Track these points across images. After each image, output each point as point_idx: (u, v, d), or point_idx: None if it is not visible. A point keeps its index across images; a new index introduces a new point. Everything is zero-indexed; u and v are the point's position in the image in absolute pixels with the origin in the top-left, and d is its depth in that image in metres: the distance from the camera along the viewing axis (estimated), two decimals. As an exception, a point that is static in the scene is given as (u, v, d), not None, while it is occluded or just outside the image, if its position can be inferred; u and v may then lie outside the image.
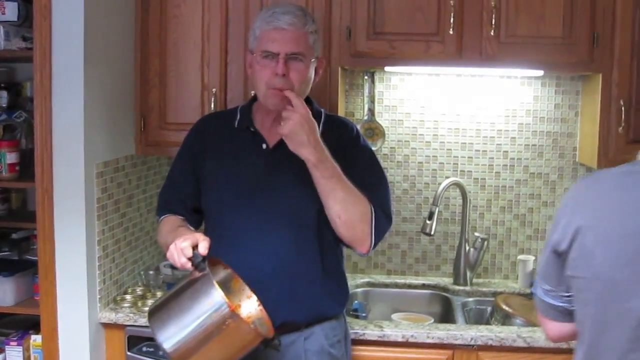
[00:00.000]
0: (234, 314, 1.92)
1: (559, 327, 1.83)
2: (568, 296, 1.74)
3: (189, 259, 2.01)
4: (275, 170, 2.37)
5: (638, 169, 1.67)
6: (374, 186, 2.38)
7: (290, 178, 2.35)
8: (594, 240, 1.62)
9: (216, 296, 1.93)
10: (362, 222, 2.30)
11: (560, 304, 1.78)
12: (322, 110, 2.51)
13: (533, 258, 3.38)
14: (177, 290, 2.04)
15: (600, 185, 1.69)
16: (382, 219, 2.34)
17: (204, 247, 2.02)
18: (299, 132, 2.16)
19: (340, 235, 2.34)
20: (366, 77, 3.45)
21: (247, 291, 2.19)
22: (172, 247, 2.05)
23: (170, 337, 1.95)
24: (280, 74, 2.27)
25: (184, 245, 2.01)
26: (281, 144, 2.36)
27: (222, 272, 2.17)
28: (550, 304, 1.80)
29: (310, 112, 2.20)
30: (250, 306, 2.18)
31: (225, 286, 2.12)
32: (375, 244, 2.36)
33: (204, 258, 2.01)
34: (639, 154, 1.75)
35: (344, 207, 2.26)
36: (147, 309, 2.90)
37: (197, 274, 2.00)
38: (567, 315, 1.77)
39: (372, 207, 2.31)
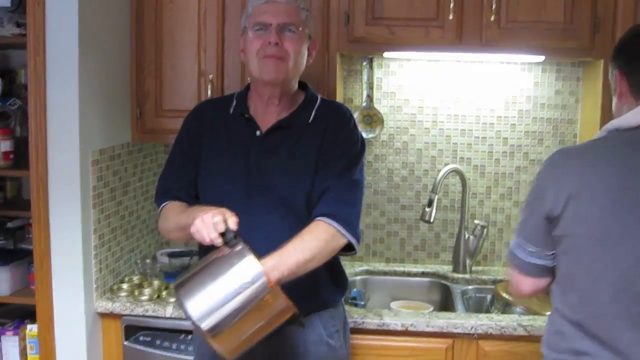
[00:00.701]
0: (274, 289, 1.93)
1: (536, 283, 2.02)
2: (552, 254, 1.95)
3: (221, 234, 1.99)
4: (267, 157, 2.34)
5: (607, 138, 1.91)
6: (344, 173, 2.33)
7: (279, 166, 2.33)
8: (585, 203, 1.83)
9: (255, 269, 1.93)
10: (332, 248, 2.26)
11: (543, 263, 1.97)
12: (319, 96, 2.47)
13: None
14: (207, 266, 2.00)
15: (579, 156, 1.92)
16: (346, 212, 2.28)
17: (234, 222, 2.01)
18: None
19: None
20: (365, 63, 3.42)
21: None
22: (198, 222, 2.02)
23: (206, 312, 1.91)
24: (273, 42, 2.26)
25: (217, 219, 2.00)
26: (273, 129, 2.35)
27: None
28: (534, 263, 1.98)
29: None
30: None
31: None
32: (357, 236, 2.31)
33: (236, 234, 1.99)
34: (602, 129, 1.95)
35: (318, 262, 2.22)
36: (144, 297, 2.90)
37: (226, 250, 1.98)
38: (547, 271, 1.98)
39: (328, 219, 2.25)
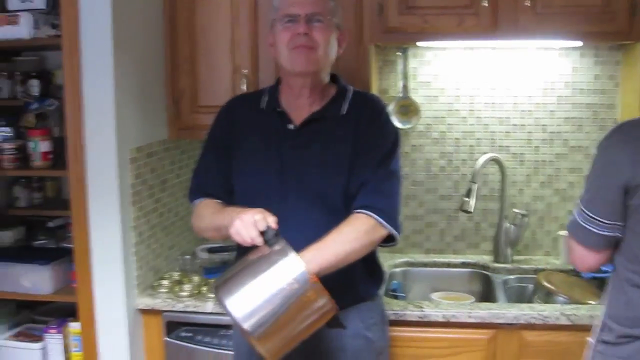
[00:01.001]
0: (318, 286, 1.92)
1: (602, 256, 2.08)
2: (623, 226, 1.99)
3: (261, 233, 1.99)
4: (300, 151, 2.33)
5: None
6: (381, 165, 2.32)
7: (313, 158, 2.32)
8: None
9: (298, 267, 1.92)
10: (373, 241, 2.26)
11: (613, 234, 2.01)
12: (351, 87, 2.45)
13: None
14: (248, 265, 2.00)
15: None
16: (384, 203, 2.27)
17: (274, 221, 2.01)
18: None
19: None
20: (399, 54, 3.39)
21: None
22: (237, 223, 2.02)
23: (250, 314, 1.90)
24: (302, 32, 2.25)
25: (258, 217, 2.00)
26: (306, 122, 2.34)
27: None
28: (604, 235, 2.02)
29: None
30: None
31: None
32: (398, 226, 2.30)
33: (277, 232, 1.99)
34: None
35: (357, 255, 2.22)
36: (184, 294, 2.91)
37: (266, 250, 1.98)
38: (614, 243, 2.04)
39: (367, 211, 2.24)
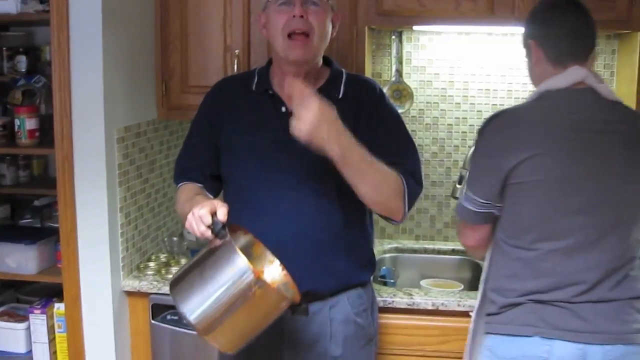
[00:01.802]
0: (259, 280, 1.86)
1: (482, 231, 2.29)
2: (498, 205, 2.19)
3: (208, 226, 1.94)
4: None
5: (543, 99, 2.19)
6: (401, 151, 2.29)
7: None
8: (542, 156, 2.08)
9: (240, 263, 1.86)
10: (394, 198, 2.20)
11: (492, 211, 2.21)
12: (343, 70, 2.41)
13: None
14: (198, 260, 1.97)
15: (527, 115, 2.19)
16: (414, 186, 2.24)
17: (222, 214, 1.94)
18: (316, 133, 1.98)
19: (373, 209, 2.28)
20: (394, 37, 3.35)
21: (270, 256, 2.12)
22: (189, 216, 1.98)
23: (195, 308, 1.88)
24: (298, 14, 2.19)
25: (202, 212, 1.94)
26: None
27: (243, 238, 2.11)
28: (483, 212, 2.22)
29: (324, 103, 1.99)
30: (273, 271, 2.11)
31: (246, 252, 2.05)
32: (409, 210, 2.27)
33: (224, 225, 1.94)
34: (534, 92, 2.25)
35: (375, 189, 2.15)
36: (171, 276, 2.86)
37: (218, 242, 1.93)
38: (492, 219, 2.24)
39: (403, 178, 2.21)
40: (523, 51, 2.35)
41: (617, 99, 2.20)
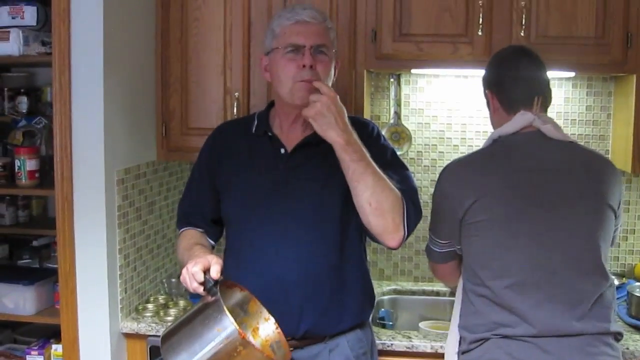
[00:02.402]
0: (244, 341, 1.86)
1: (450, 266, 2.49)
2: (460, 247, 2.35)
3: (201, 283, 1.95)
4: (295, 175, 2.31)
5: (495, 145, 2.36)
6: (399, 180, 2.29)
7: (309, 183, 2.30)
8: (489, 198, 2.23)
9: (226, 323, 1.86)
10: (393, 210, 2.17)
11: (450, 249, 2.41)
12: None
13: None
14: (189, 316, 1.98)
15: (476, 163, 2.36)
16: (412, 209, 2.23)
17: (215, 271, 1.96)
18: (326, 114, 2.07)
19: (370, 225, 2.20)
20: (392, 80, 3.38)
21: (265, 313, 2.12)
22: (184, 271, 2.01)
23: None
24: (308, 65, 2.21)
25: (195, 270, 1.96)
26: (299, 147, 2.32)
27: (239, 295, 2.12)
28: (447, 251, 2.42)
29: (338, 97, 2.11)
30: (268, 329, 2.12)
31: (242, 308, 2.08)
32: (407, 237, 2.23)
33: (216, 282, 1.95)
34: (488, 138, 2.42)
35: (374, 193, 2.14)
36: (169, 318, 2.87)
37: (210, 299, 1.94)
38: (454, 255, 2.43)
39: (403, 198, 2.21)
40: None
41: (564, 137, 2.34)
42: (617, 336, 2.22)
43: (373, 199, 2.15)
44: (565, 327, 2.14)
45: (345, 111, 2.14)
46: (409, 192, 2.26)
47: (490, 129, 3.31)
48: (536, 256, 2.18)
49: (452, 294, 3.34)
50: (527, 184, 2.24)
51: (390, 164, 2.33)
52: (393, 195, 2.17)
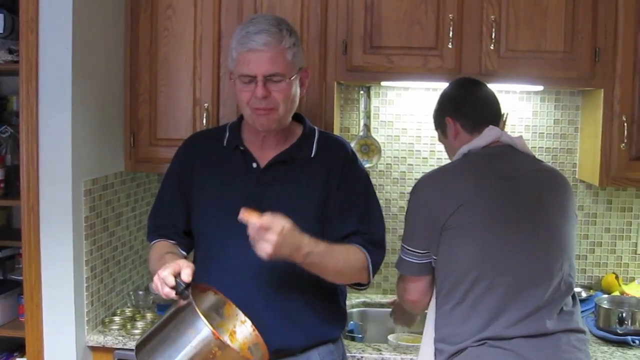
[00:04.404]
0: (220, 342, 1.85)
1: (423, 283, 2.41)
2: (435, 258, 2.35)
3: (173, 287, 1.93)
4: (266, 191, 2.29)
5: (467, 158, 2.41)
6: (367, 217, 2.34)
7: (281, 199, 2.27)
8: (468, 206, 2.27)
9: (200, 325, 1.86)
10: (358, 275, 2.31)
11: (428, 260, 2.37)
12: (316, 128, 2.43)
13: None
14: (163, 322, 1.96)
15: (450, 173, 2.42)
16: (376, 254, 2.33)
17: (187, 275, 1.95)
18: (279, 251, 2.01)
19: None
20: (362, 92, 3.38)
21: (241, 316, 2.12)
22: (155, 277, 1.99)
23: None
24: (260, 96, 2.19)
25: (165, 274, 1.94)
26: (272, 164, 2.31)
27: (213, 298, 2.11)
28: (424, 262, 2.37)
29: (286, 225, 2.01)
30: (245, 331, 2.11)
31: (217, 312, 2.06)
32: (373, 278, 2.37)
33: (187, 285, 1.94)
34: (458, 153, 2.47)
35: (338, 275, 2.27)
36: (136, 331, 2.84)
37: (182, 303, 1.93)
38: (430, 269, 2.39)
39: (366, 252, 2.28)
40: (436, 134, 2.65)
41: (530, 152, 2.49)
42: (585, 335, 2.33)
43: (336, 278, 2.30)
44: (540, 328, 2.20)
45: (295, 232, 2.05)
46: (374, 235, 2.34)
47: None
48: (517, 261, 2.25)
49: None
50: (506, 189, 2.32)
51: (361, 195, 2.37)
52: (354, 266, 2.28)
